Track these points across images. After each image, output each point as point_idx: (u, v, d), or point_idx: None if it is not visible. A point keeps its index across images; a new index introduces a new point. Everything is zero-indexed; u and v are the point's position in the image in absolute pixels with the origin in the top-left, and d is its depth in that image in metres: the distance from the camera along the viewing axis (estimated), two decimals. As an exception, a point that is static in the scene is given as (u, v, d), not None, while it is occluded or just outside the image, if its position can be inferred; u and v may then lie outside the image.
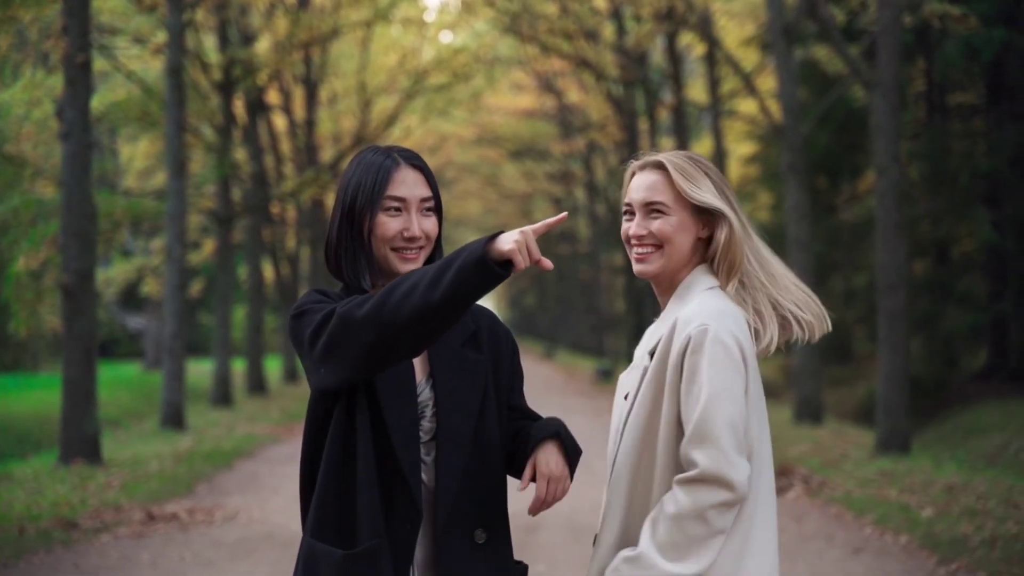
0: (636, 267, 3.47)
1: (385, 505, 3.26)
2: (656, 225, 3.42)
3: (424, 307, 3.02)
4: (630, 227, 3.47)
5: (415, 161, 3.39)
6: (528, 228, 3.04)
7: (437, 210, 3.41)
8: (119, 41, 24.83)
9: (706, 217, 3.46)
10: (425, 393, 3.35)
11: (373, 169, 3.35)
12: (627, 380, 3.52)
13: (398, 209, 3.33)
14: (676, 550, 3.22)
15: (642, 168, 3.49)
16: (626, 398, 3.50)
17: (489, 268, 2.97)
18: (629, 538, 3.36)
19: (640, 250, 3.44)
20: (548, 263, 3.09)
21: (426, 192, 3.37)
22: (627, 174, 3.54)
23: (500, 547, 3.37)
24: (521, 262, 3.00)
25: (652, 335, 3.48)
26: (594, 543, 3.45)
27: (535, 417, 3.54)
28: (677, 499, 3.22)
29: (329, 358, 3.17)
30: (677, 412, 3.31)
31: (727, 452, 3.21)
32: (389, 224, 3.32)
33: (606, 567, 3.32)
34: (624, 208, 3.51)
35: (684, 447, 3.25)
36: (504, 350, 3.50)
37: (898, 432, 15.53)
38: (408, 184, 3.35)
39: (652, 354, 3.41)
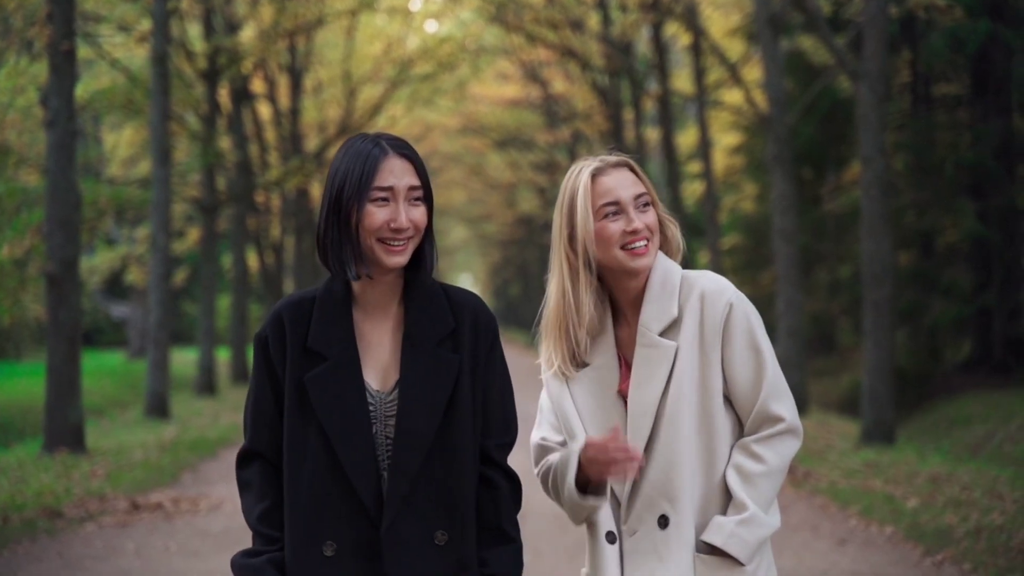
0: (637, 262, 3.50)
1: (338, 533, 3.27)
2: (649, 218, 3.53)
3: None
4: (621, 224, 3.50)
5: (403, 150, 3.32)
6: None
7: (427, 199, 3.35)
8: (104, 29, 24.73)
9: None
10: (393, 395, 3.31)
11: (360, 159, 3.28)
12: (645, 367, 3.53)
13: (385, 199, 3.26)
14: (769, 503, 3.42)
15: (606, 169, 3.55)
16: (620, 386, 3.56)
17: None
18: (708, 514, 3.46)
19: (639, 243, 3.50)
20: None
21: (414, 181, 3.30)
22: (583, 179, 3.54)
23: (462, 547, 3.30)
24: None
25: (654, 319, 3.51)
26: (663, 526, 3.46)
27: (498, 481, 3.41)
28: (761, 456, 3.42)
29: None
30: (723, 378, 3.47)
31: (794, 404, 3.49)
32: (376, 215, 3.25)
33: (692, 543, 3.42)
34: (606, 210, 3.51)
35: (764, 404, 3.45)
36: (483, 342, 3.41)
37: (883, 423, 15.57)
38: (396, 173, 3.28)
39: (664, 336, 3.49)
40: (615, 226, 3.49)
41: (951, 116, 25.07)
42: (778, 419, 3.43)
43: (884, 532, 10.26)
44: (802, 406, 19.63)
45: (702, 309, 3.47)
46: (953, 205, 23.41)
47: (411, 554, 3.24)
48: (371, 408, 3.30)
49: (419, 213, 3.31)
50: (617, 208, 3.49)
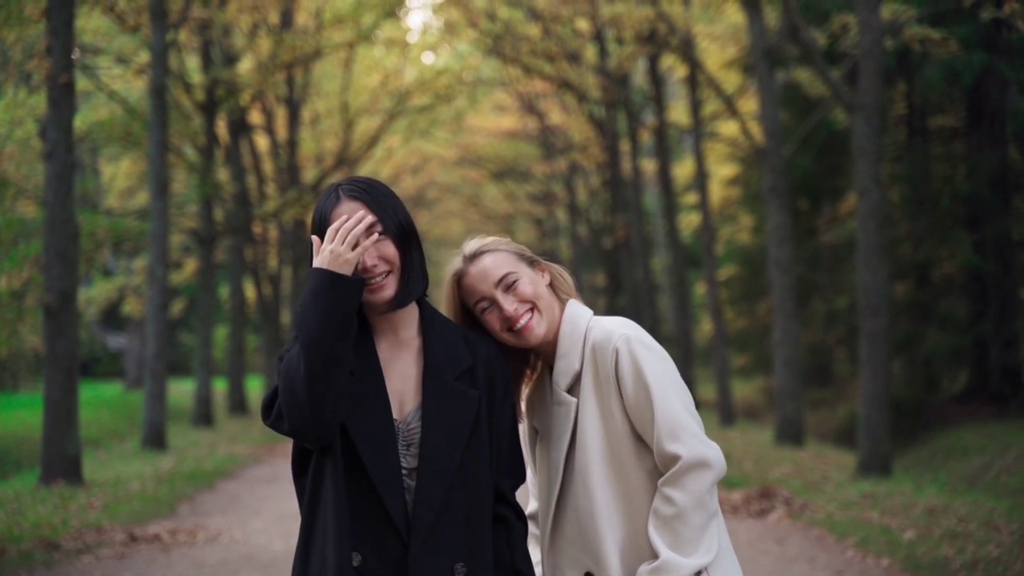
0: (526, 338, 3.57)
1: (364, 545, 3.28)
2: (521, 292, 3.57)
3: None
4: (501, 313, 3.56)
5: (355, 192, 3.34)
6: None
7: (397, 233, 3.37)
8: (102, 61, 24.87)
9: (537, 268, 3.67)
10: (413, 424, 3.34)
11: (318, 211, 3.35)
12: (556, 425, 3.60)
13: None
14: (689, 544, 3.38)
15: (466, 269, 3.62)
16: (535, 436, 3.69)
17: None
18: (635, 562, 3.47)
19: (523, 320, 3.56)
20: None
21: (370, 219, 3.31)
22: (452, 282, 3.64)
23: None
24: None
25: (562, 374, 3.57)
26: None
27: (511, 519, 3.49)
28: (671, 498, 3.38)
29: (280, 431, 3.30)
30: (630, 424, 3.47)
31: (697, 435, 3.42)
32: None
33: None
34: (480, 307, 3.59)
35: (660, 445, 3.42)
36: (499, 384, 3.47)
37: (879, 454, 15.56)
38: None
39: (571, 391, 3.55)
40: (495, 322, 3.57)
41: (947, 148, 25.15)
42: (674, 458, 3.40)
43: (881, 564, 10.25)
44: (799, 437, 19.64)
45: (595, 360, 3.51)
46: (949, 236, 23.46)
47: None
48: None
49: (386, 248, 3.34)
50: (487, 304, 3.57)
